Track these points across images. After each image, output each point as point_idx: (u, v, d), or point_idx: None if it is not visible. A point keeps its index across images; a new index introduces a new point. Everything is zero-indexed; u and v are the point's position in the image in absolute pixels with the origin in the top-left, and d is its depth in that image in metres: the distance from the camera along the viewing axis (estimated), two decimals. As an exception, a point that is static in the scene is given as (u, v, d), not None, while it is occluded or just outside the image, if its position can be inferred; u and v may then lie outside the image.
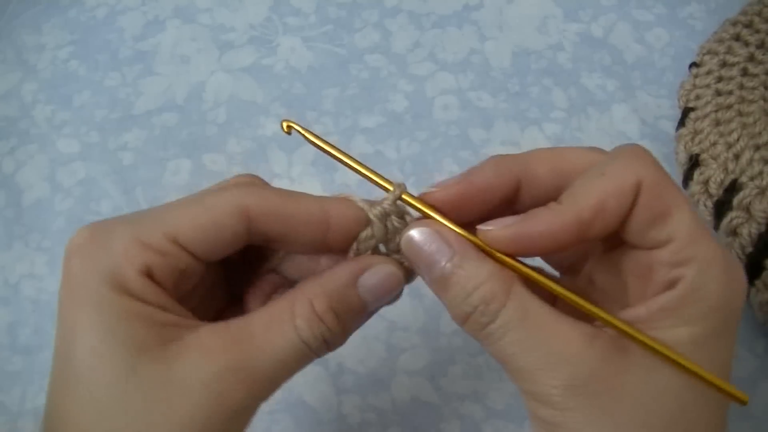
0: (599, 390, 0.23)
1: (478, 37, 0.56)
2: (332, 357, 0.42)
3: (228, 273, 0.30)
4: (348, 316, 0.26)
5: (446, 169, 0.49)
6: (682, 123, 0.47)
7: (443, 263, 0.25)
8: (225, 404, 0.23)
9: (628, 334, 0.24)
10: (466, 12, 0.57)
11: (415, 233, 0.25)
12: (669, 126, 0.50)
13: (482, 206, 0.26)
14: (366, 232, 0.27)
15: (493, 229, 0.25)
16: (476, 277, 0.24)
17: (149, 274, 0.24)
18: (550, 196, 0.25)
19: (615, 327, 0.24)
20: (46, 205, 0.49)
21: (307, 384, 0.42)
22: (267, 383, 0.25)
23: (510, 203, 0.27)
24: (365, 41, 0.56)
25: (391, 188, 0.27)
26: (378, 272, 0.26)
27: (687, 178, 0.45)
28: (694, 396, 0.24)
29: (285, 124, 0.27)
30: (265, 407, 0.41)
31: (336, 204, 0.27)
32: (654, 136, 0.50)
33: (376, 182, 0.27)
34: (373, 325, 0.44)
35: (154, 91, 0.54)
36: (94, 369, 0.23)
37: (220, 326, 0.25)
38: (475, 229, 0.25)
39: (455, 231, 0.25)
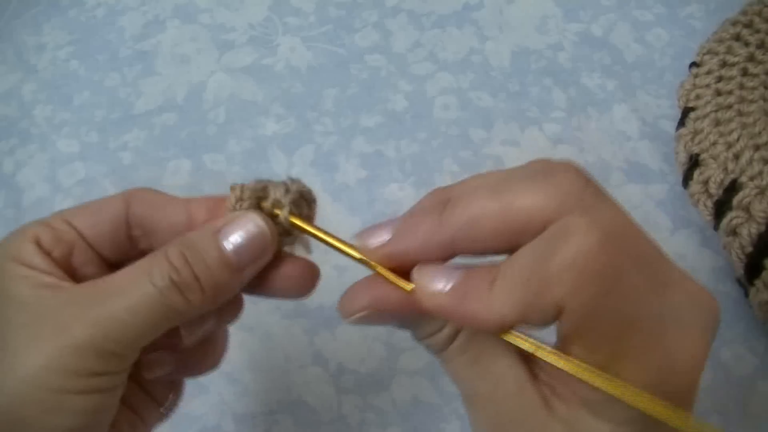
0: None
1: (478, 37, 0.56)
2: (332, 357, 0.43)
3: None
4: (203, 266, 0.25)
5: (446, 169, 0.49)
6: (682, 123, 0.47)
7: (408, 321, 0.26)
8: (71, 341, 0.24)
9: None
10: (466, 12, 0.57)
11: (359, 318, 0.25)
12: (669, 126, 0.50)
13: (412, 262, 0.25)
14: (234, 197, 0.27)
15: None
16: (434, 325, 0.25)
17: (38, 243, 0.26)
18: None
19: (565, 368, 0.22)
20: (46, 205, 0.49)
21: (307, 384, 0.42)
22: (118, 321, 0.24)
23: None
24: (365, 41, 0.56)
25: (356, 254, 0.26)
26: (240, 223, 0.26)
27: (687, 177, 0.45)
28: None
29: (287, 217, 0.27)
30: (265, 407, 0.41)
31: (199, 200, 0.28)
32: (654, 136, 0.50)
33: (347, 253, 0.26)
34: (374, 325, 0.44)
35: (154, 91, 0.54)
36: None
37: (84, 284, 0.26)
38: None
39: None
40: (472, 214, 0.22)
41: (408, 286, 0.24)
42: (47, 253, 0.27)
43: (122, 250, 0.29)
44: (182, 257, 0.25)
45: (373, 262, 0.25)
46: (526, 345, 0.22)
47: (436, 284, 0.23)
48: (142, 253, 0.27)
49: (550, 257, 0.21)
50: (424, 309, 0.24)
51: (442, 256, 0.24)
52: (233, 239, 0.26)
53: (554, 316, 0.21)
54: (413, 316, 0.25)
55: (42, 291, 0.25)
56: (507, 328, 0.22)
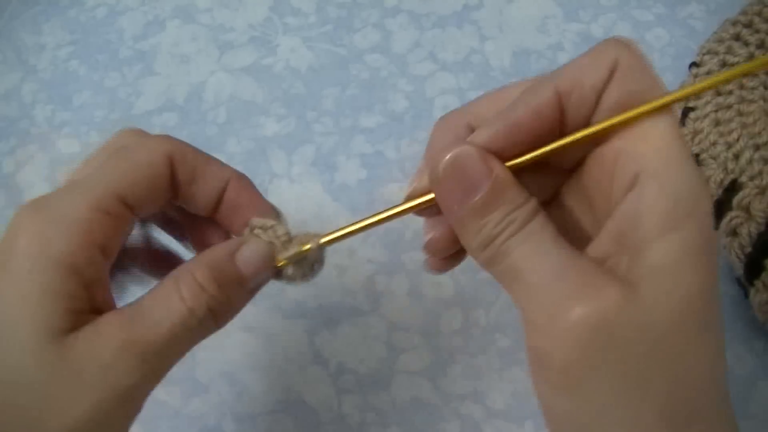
0: (619, 321, 0.21)
1: (478, 37, 0.56)
2: (332, 357, 0.43)
3: None
4: (229, 287, 0.26)
5: (446, 169, 0.49)
6: (681, 123, 0.47)
7: (481, 190, 0.23)
8: (118, 384, 0.24)
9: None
10: (466, 12, 0.57)
11: (462, 151, 0.24)
12: (669, 126, 0.50)
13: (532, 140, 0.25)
14: (259, 222, 0.29)
15: (481, 133, 0.24)
16: (514, 202, 0.23)
17: (104, 246, 0.25)
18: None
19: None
20: (46, 205, 0.49)
21: (307, 384, 0.42)
22: (159, 358, 0.25)
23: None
24: (365, 41, 0.56)
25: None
26: (253, 247, 0.27)
27: (687, 178, 0.45)
28: (694, 293, 0.22)
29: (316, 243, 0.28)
30: (265, 407, 0.41)
31: (237, 175, 0.29)
32: (654, 136, 0.50)
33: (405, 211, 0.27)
34: (373, 325, 0.44)
35: (154, 91, 0.54)
36: (2, 339, 0.24)
37: (116, 311, 0.25)
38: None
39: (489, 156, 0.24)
40: (576, 70, 0.24)
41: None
42: (101, 254, 0.25)
43: (157, 209, 0.28)
44: (214, 282, 0.25)
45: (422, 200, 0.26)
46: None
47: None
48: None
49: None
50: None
51: (553, 117, 0.24)
52: (253, 265, 0.27)
53: (610, 72, 0.23)
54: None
55: (76, 322, 0.24)
56: (564, 96, 0.23)
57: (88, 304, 0.25)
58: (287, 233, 0.29)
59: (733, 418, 0.23)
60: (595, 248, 0.24)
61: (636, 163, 0.23)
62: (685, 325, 0.22)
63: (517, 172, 0.24)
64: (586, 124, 0.24)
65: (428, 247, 0.29)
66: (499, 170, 0.23)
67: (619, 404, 0.21)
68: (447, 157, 0.24)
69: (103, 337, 0.24)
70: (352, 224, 0.28)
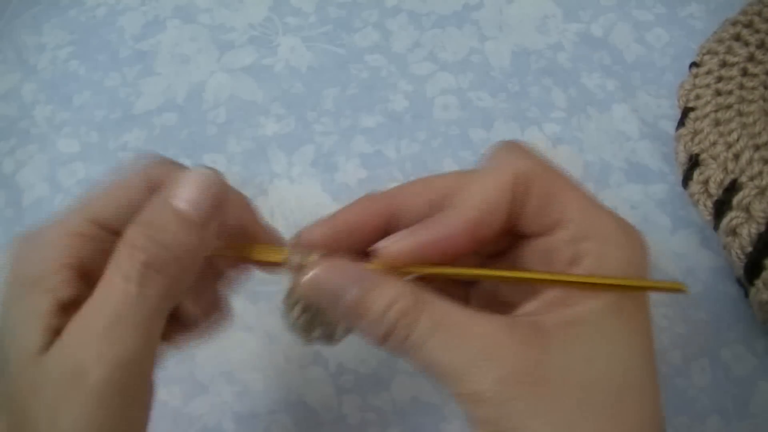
0: (529, 375, 0.23)
1: (478, 37, 0.56)
2: (332, 357, 0.43)
3: None
4: (166, 233, 0.25)
5: (446, 169, 0.49)
6: (681, 123, 0.47)
7: (351, 293, 0.25)
8: (85, 384, 0.23)
9: (564, 281, 0.24)
10: (466, 12, 0.57)
11: (314, 274, 0.25)
12: (669, 126, 0.50)
13: (355, 245, 0.26)
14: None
15: (386, 246, 0.25)
16: (386, 295, 0.24)
17: (80, 266, 0.25)
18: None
19: (548, 281, 0.24)
20: (46, 205, 0.49)
21: (307, 384, 0.42)
22: (117, 344, 0.23)
23: (387, 234, 0.27)
24: (365, 41, 0.56)
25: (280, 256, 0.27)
26: (188, 178, 0.26)
27: (687, 178, 0.45)
28: (617, 351, 0.24)
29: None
30: (265, 408, 0.41)
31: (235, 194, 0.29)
32: (654, 136, 0.50)
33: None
34: (373, 325, 0.44)
35: (154, 91, 0.54)
36: (9, 368, 0.24)
37: (78, 313, 0.25)
38: (369, 253, 0.26)
39: (351, 262, 0.25)
40: (482, 195, 0.25)
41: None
42: (92, 277, 0.25)
43: None
44: (145, 237, 0.24)
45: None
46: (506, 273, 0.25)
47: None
48: None
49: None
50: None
51: (463, 245, 0.25)
52: (187, 196, 0.25)
53: (515, 188, 0.25)
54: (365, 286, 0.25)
55: (52, 338, 0.24)
56: (476, 225, 0.25)
57: (57, 322, 0.24)
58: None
59: None
60: (527, 307, 0.25)
61: (577, 249, 0.24)
62: (603, 367, 0.23)
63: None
64: (499, 237, 0.26)
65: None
66: (361, 273, 0.25)
67: None
68: (304, 281, 0.25)
69: (65, 343, 0.24)
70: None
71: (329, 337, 0.29)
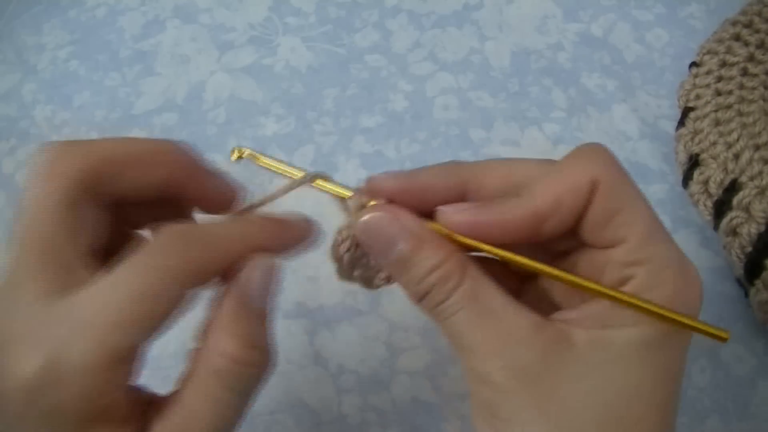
0: (539, 377, 0.23)
1: (478, 37, 0.56)
2: (332, 357, 0.43)
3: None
4: (257, 328, 0.26)
5: (446, 169, 0.49)
6: (681, 123, 0.47)
7: (401, 246, 0.25)
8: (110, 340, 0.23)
9: (597, 291, 0.24)
10: (466, 12, 0.57)
11: (371, 216, 0.26)
12: (669, 126, 0.50)
13: (421, 205, 0.26)
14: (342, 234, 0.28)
15: (448, 212, 0.26)
16: (434, 258, 0.25)
17: (98, 192, 0.26)
18: None
19: (589, 289, 0.24)
20: (46, 205, 0.49)
21: (307, 384, 0.42)
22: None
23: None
24: (365, 41, 0.56)
25: (348, 193, 0.28)
26: (256, 270, 0.26)
27: (687, 177, 0.45)
28: (636, 388, 0.24)
29: (235, 154, 0.28)
30: (265, 408, 0.41)
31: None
32: (654, 136, 0.50)
33: (333, 191, 0.29)
34: (373, 325, 0.44)
35: (154, 91, 0.54)
36: (12, 293, 0.24)
37: (161, 414, 0.25)
38: (433, 213, 0.26)
39: (412, 216, 0.26)
40: (556, 193, 0.25)
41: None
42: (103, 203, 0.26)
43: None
44: (250, 350, 0.26)
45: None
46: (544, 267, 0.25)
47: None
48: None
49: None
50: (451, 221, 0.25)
51: (522, 234, 0.25)
52: (261, 293, 0.26)
53: (589, 195, 0.24)
54: (414, 247, 0.25)
55: (66, 281, 0.24)
56: (540, 219, 0.24)
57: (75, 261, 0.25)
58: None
59: None
60: (563, 314, 0.26)
61: (627, 273, 0.24)
62: (615, 392, 0.24)
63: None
64: (564, 236, 0.26)
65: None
66: (415, 228, 0.25)
67: None
68: (360, 221, 0.26)
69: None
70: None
71: (368, 282, 0.29)
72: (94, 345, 0.23)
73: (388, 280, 0.28)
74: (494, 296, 0.25)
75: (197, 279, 0.25)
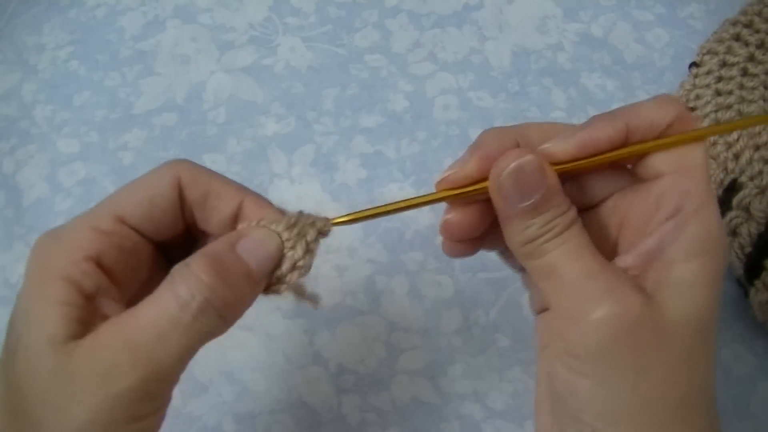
0: (638, 320, 0.25)
1: (478, 37, 0.56)
2: (332, 357, 0.43)
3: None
4: (232, 277, 0.25)
5: (446, 169, 0.49)
6: (682, 123, 0.47)
7: (534, 197, 0.26)
8: (114, 387, 0.23)
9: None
10: (466, 12, 0.57)
11: (526, 161, 0.26)
12: (669, 126, 0.50)
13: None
14: (259, 220, 0.28)
15: (557, 143, 0.27)
16: (559, 208, 0.26)
17: (98, 259, 0.26)
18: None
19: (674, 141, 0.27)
20: (46, 205, 0.49)
21: (307, 384, 0.42)
22: (152, 361, 0.24)
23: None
24: (365, 41, 0.56)
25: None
26: (258, 236, 0.27)
27: (687, 178, 0.45)
28: (702, 304, 0.26)
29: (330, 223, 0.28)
30: (265, 407, 0.41)
31: (252, 193, 0.29)
32: (654, 136, 0.50)
33: (424, 203, 0.29)
34: (373, 325, 0.44)
35: (154, 91, 0.54)
36: (16, 350, 0.24)
37: (115, 318, 0.25)
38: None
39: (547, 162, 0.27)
40: (646, 113, 0.27)
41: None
42: (110, 274, 0.26)
43: (169, 231, 0.28)
44: (212, 271, 0.24)
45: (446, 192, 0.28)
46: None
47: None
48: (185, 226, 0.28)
49: None
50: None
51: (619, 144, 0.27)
52: (255, 254, 0.26)
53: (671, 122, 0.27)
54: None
55: (80, 331, 0.24)
56: (632, 132, 0.27)
57: (93, 314, 0.25)
58: (295, 217, 0.28)
59: (717, 421, 0.26)
60: (621, 260, 0.27)
61: (679, 198, 0.26)
62: (695, 334, 0.25)
63: (570, 178, 0.28)
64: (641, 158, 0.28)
65: (444, 228, 0.30)
66: (552, 181, 0.26)
67: (629, 391, 0.25)
68: (513, 164, 0.26)
69: (99, 342, 0.24)
70: (380, 207, 0.28)
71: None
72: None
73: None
74: (594, 252, 0.26)
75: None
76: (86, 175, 0.50)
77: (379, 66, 0.54)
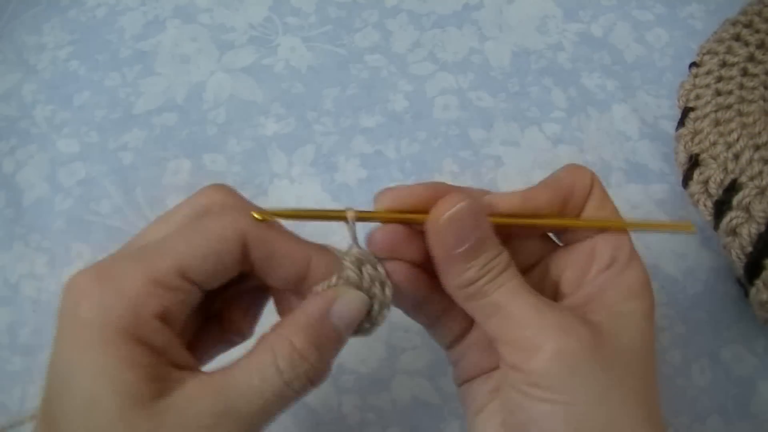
0: (589, 343, 0.26)
1: (478, 37, 0.56)
2: (332, 357, 0.43)
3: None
4: (326, 349, 0.27)
5: (446, 169, 0.49)
6: (681, 123, 0.47)
7: (475, 236, 0.27)
8: None
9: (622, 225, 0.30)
10: (466, 12, 0.57)
11: (460, 210, 0.27)
12: (669, 126, 0.50)
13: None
14: (336, 276, 0.28)
15: (502, 194, 0.29)
16: (494, 251, 0.27)
17: (164, 316, 0.25)
18: None
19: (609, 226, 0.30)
20: (46, 205, 0.49)
21: (307, 384, 0.42)
22: (251, 428, 0.25)
23: None
24: (365, 41, 0.56)
25: (345, 216, 0.28)
26: (347, 299, 0.28)
27: (687, 178, 0.45)
28: (645, 329, 0.28)
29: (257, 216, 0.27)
30: (265, 407, 0.41)
31: (318, 250, 0.28)
32: (654, 136, 0.50)
33: (330, 216, 0.29)
34: (373, 325, 0.44)
35: (154, 91, 0.54)
36: (87, 412, 0.23)
37: (205, 377, 0.25)
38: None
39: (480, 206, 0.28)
40: (571, 182, 0.30)
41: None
42: (173, 328, 0.25)
43: (223, 281, 0.28)
44: (313, 348, 0.26)
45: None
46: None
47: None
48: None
49: None
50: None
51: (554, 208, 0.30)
52: (345, 319, 0.27)
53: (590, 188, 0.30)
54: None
55: (159, 388, 0.24)
56: (566, 199, 0.30)
57: (165, 369, 0.24)
58: (355, 256, 0.28)
59: None
60: (568, 302, 0.30)
61: (613, 252, 0.29)
62: (642, 360, 0.27)
63: (515, 236, 0.31)
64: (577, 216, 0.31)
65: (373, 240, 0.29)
66: (485, 225, 0.27)
67: (593, 412, 0.26)
68: (451, 210, 0.27)
69: (195, 405, 0.24)
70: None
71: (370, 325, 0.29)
72: None
73: (386, 311, 0.29)
74: (533, 293, 0.28)
75: None
76: (86, 175, 0.50)
77: (379, 66, 0.54)
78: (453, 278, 0.28)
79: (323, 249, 0.29)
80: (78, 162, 0.51)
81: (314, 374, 0.26)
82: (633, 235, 0.30)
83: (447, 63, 0.55)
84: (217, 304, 0.31)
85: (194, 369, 0.26)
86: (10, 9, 0.59)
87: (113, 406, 0.23)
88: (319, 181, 0.49)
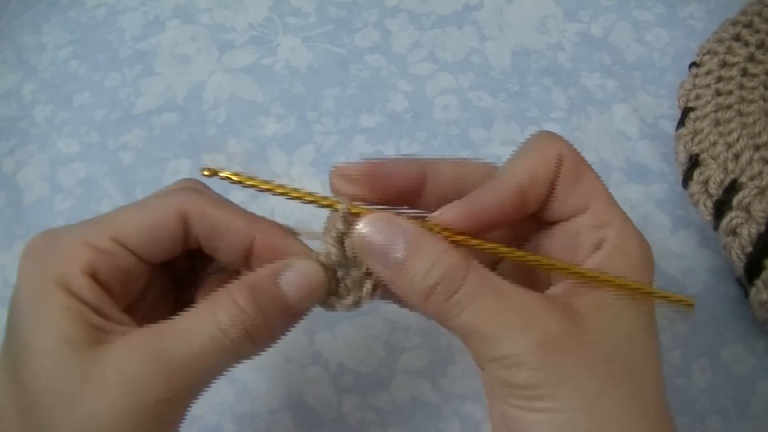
0: (566, 343, 0.25)
1: (478, 37, 0.56)
2: (332, 357, 0.43)
3: (177, 279, 0.32)
4: (270, 310, 0.26)
5: (446, 169, 0.49)
6: (681, 123, 0.47)
7: (400, 245, 0.25)
8: (142, 397, 0.24)
9: (590, 276, 0.27)
10: (466, 12, 0.57)
11: (365, 224, 0.26)
12: (669, 126, 0.50)
13: (387, 188, 0.27)
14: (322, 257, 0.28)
15: (443, 213, 0.27)
16: (434, 252, 0.25)
17: (93, 274, 0.26)
18: (451, 196, 0.27)
19: (575, 274, 0.27)
20: (46, 205, 0.49)
21: (307, 384, 0.42)
22: (185, 374, 0.25)
23: (414, 197, 0.28)
24: (365, 41, 0.56)
25: (337, 206, 0.27)
26: (299, 267, 0.27)
27: (687, 178, 0.45)
28: (635, 334, 0.26)
29: (206, 171, 0.28)
30: (265, 407, 0.41)
31: (266, 225, 0.28)
32: (654, 136, 0.50)
33: (322, 203, 0.28)
34: (373, 325, 0.44)
35: (154, 91, 0.54)
36: (29, 354, 0.25)
37: (147, 327, 0.26)
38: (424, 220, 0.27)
39: (405, 217, 0.26)
40: (532, 167, 0.27)
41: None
42: (105, 288, 0.26)
43: (167, 255, 0.29)
44: (252, 303, 0.25)
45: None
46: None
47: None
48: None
49: None
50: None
51: (512, 211, 0.28)
52: (297, 288, 0.27)
53: (557, 167, 0.27)
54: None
55: (99, 337, 0.25)
56: (524, 193, 0.27)
57: (103, 323, 0.25)
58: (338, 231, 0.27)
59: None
60: (553, 290, 0.28)
61: (600, 235, 0.27)
62: (633, 353, 0.26)
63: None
64: (542, 207, 0.28)
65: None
66: (410, 227, 0.26)
67: (581, 417, 0.24)
68: (357, 231, 0.26)
69: (130, 350, 0.25)
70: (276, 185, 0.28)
71: (355, 301, 0.28)
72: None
73: (375, 288, 0.28)
74: (500, 281, 0.26)
75: None
76: (86, 175, 0.50)
77: (379, 66, 0.54)
78: (408, 295, 0.26)
79: (272, 224, 0.29)
80: (78, 162, 0.51)
81: (253, 328, 0.25)
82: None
83: (447, 63, 0.55)
84: (191, 292, 0.32)
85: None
86: (10, 9, 0.59)
87: (50, 348, 0.24)
88: (319, 181, 0.49)
